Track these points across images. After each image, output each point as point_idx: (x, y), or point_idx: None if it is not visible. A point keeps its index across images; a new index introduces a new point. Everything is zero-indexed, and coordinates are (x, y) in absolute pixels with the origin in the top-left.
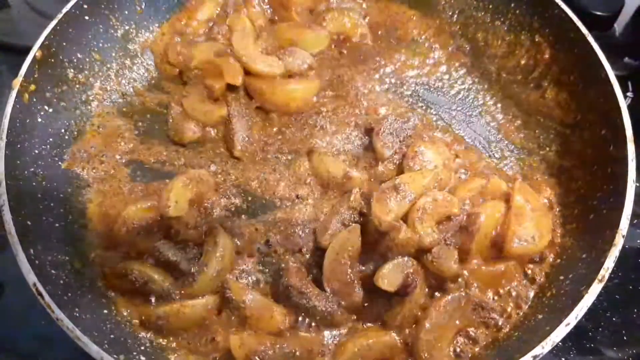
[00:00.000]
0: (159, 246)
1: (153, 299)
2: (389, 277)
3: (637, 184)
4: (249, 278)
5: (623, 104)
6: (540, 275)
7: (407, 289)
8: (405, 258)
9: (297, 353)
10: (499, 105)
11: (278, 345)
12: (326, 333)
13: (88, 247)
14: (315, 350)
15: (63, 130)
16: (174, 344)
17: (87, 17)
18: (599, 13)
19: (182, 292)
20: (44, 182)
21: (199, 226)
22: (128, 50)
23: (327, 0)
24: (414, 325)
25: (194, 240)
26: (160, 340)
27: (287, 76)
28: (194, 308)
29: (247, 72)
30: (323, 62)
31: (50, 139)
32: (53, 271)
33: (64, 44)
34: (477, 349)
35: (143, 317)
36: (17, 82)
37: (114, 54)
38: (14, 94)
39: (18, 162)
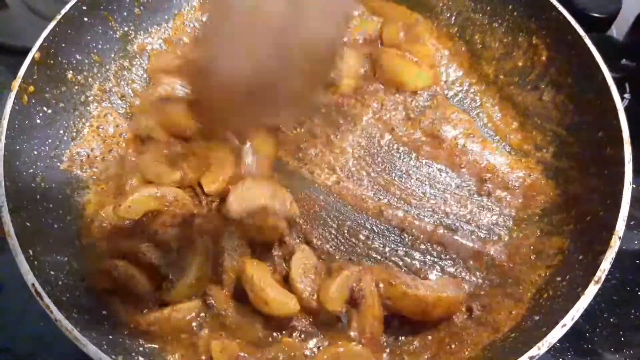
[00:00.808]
0: (142, 248)
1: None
2: (337, 297)
3: (634, 186)
4: None
5: (620, 106)
6: (537, 277)
7: (357, 300)
8: (345, 272)
9: (280, 359)
10: (496, 107)
11: (260, 352)
12: (310, 340)
13: (87, 248)
14: (298, 356)
15: (62, 132)
16: (169, 347)
17: (86, 19)
18: (596, 15)
19: (161, 297)
20: (43, 183)
21: (175, 225)
22: (127, 51)
23: None
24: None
25: (173, 240)
26: (155, 343)
27: None
28: (181, 313)
29: None
30: None
31: (49, 140)
32: (52, 272)
33: (63, 45)
34: (473, 351)
35: (132, 324)
36: (15, 84)
37: (113, 55)
38: (12, 95)
39: (17, 163)
